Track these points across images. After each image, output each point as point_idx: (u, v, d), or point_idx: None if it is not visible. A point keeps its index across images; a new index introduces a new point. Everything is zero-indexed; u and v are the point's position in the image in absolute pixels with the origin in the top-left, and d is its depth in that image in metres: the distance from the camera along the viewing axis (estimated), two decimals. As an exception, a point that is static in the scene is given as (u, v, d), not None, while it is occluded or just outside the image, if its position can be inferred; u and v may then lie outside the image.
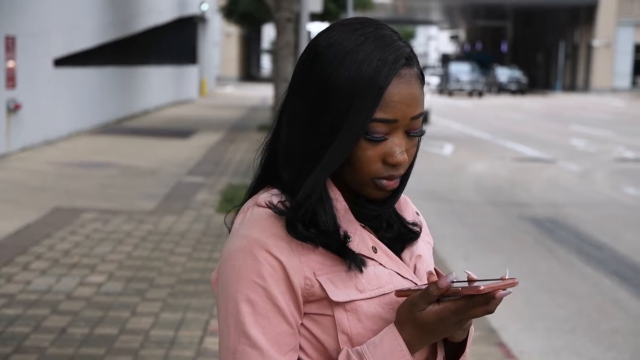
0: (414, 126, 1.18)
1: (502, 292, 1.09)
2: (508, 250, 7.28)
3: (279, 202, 1.18)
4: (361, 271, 1.18)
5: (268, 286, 1.14)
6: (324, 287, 1.15)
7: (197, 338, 4.34)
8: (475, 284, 1.11)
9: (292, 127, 1.20)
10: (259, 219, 1.18)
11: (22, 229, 6.77)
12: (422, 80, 1.19)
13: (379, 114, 1.15)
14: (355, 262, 1.18)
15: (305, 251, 1.16)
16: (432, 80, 43.71)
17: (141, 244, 6.39)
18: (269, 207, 1.18)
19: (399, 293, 1.15)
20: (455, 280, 1.12)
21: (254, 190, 1.26)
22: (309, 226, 1.17)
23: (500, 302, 1.11)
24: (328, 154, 1.15)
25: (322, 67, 1.16)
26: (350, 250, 1.18)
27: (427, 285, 1.13)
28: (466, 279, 1.13)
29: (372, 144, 1.16)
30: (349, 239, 1.18)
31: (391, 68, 1.15)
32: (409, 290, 1.16)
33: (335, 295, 1.15)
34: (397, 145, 1.17)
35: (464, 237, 7.78)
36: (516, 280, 1.11)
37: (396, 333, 1.13)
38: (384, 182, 1.18)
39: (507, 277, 1.11)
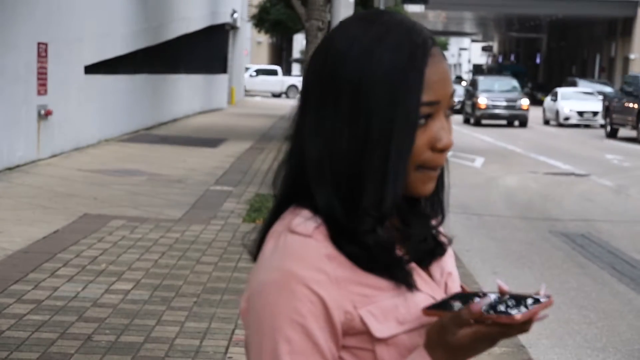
0: (450, 105, 1.14)
1: (538, 316, 1.04)
2: (538, 265, 7.18)
3: (314, 228, 1.09)
4: (411, 291, 1.12)
5: (307, 323, 1.07)
6: (366, 321, 1.09)
7: (222, 348, 4.32)
8: (507, 299, 1.05)
9: (321, 139, 1.11)
10: (294, 248, 1.09)
11: (51, 235, 6.80)
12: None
13: (423, 98, 1.10)
14: (407, 282, 1.11)
15: (344, 282, 1.09)
16: (564, 107, 28.17)
17: (168, 252, 6.39)
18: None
19: (427, 312, 1.09)
20: (485, 293, 1.07)
21: (277, 209, 1.17)
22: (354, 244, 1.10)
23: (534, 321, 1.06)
24: (394, 155, 1.08)
25: (350, 67, 1.09)
26: (402, 268, 1.12)
27: (459, 309, 1.06)
28: (497, 291, 1.08)
29: (418, 131, 1.10)
30: (405, 259, 1.12)
31: (423, 49, 1.11)
32: (437, 309, 1.09)
33: (378, 330, 1.09)
34: (442, 128, 1.12)
35: (494, 251, 7.69)
36: (552, 301, 1.05)
37: (425, 356, 1.08)
38: (431, 171, 1.13)
39: (542, 293, 1.06)
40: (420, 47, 1.11)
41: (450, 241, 1.23)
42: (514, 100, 27.70)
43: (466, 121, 29.12)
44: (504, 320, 1.02)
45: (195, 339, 4.42)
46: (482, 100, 27.84)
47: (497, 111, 27.61)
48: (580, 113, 28.22)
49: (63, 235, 6.83)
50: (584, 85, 32.59)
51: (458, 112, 33.05)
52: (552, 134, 24.87)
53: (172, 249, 6.51)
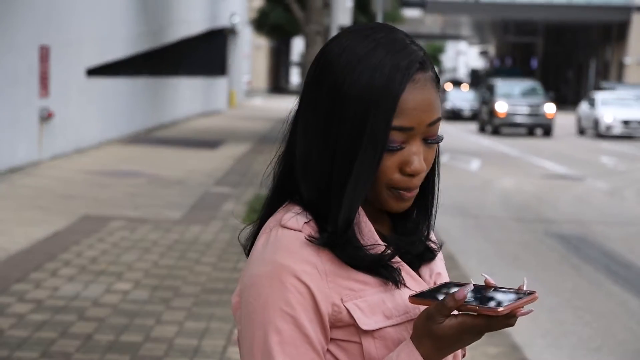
0: (431, 133, 1.13)
1: (522, 311, 1.06)
2: (533, 266, 7.23)
3: (304, 223, 1.14)
4: (398, 288, 1.15)
5: (297, 314, 1.10)
6: (352, 314, 1.12)
7: (221, 347, 4.36)
8: (492, 293, 1.08)
9: (306, 139, 1.16)
10: (284, 242, 1.13)
11: (52, 235, 6.86)
12: (437, 84, 1.15)
13: (394, 122, 1.10)
14: (393, 279, 1.15)
15: (332, 276, 1.12)
16: None
17: (167, 252, 6.44)
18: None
19: (413, 300, 1.12)
20: (474, 285, 1.10)
21: (270, 204, 1.21)
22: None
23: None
24: (355, 174, 1.11)
25: (334, 76, 1.12)
26: (388, 266, 1.15)
27: (444, 297, 1.09)
28: (484, 284, 1.10)
29: (388, 154, 1.12)
30: (386, 256, 1.16)
31: (405, 74, 1.10)
32: (423, 296, 1.12)
33: (364, 323, 1.12)
34: (414, 153, 1.13)
35: (489, 253, 7.74)
36: (536, 296, 1.07)
37: (413, 348, 1.09)
38: (402, 192, 1.15)
39: (524, 287, 1.09)
40: (402, 71, 1.10)
41: (440, 247, 1.27)
42: (537, 106, 24.12)
43: (481, 130, 25.82)
44: (487, 312, 1.05)
45: (194, 339, 4.46)
46: (501, 107, 24.18)
47: (518, 119, 24.15)
48: (626, 122, 23.71)
49: (64, 235, 6.88)
50: (622, 90, 27.61)
51: (472, 118, 30.36)
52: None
53: (171, 249, 6.56)
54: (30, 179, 9.95)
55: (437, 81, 1.15)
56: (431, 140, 1.14)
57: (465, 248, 7.71)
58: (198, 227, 7.50)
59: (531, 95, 25.14)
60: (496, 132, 24.51)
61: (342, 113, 1.11)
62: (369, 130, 1.10)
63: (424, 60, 1.14)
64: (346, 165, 1.12)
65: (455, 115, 31.40)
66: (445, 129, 23.30)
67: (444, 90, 33.93)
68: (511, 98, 24.63)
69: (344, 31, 1.17)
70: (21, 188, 9.27)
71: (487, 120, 25.27)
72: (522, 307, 1.06)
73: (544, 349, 4.98)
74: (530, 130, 24.50)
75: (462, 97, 32.44)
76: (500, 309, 1.04)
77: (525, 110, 24.17)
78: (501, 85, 26.29)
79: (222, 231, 7.36)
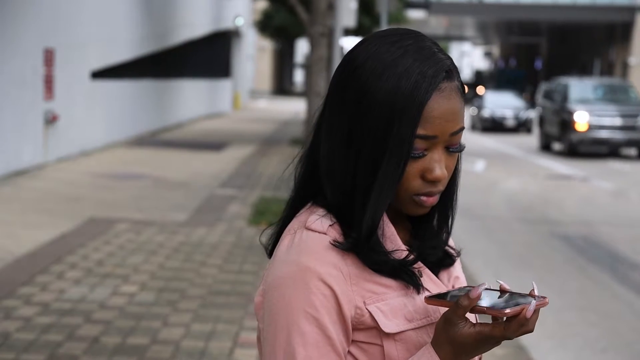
0: (453, 142, 1.15)
1: (530, 309, 1.07)
2: (539, 267, 7.23)
3: (329, 226, 1.15)
4: (419, 293, 1.16)
5: (320, 316, 1.11)
6: (375, 317, 1.13)
7: (227, 349, 4.37)
8: (506, 297, 1.10)
9: (330, 142, 1.16)
10: (309, 244, 1.14)
11: (57, 238, 6.88)
12: (462, 94, 1.15)
13: (418, 130, 1.11)
14: (414, 283, 1.16)
15: (356, 279, 1.14)
16: None
17: (173, 255, 6.46)
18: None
19: (429, 301, 1.13)
20: (488, 288, 1.12)
21: (293, 205, 1.22)
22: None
23: (537, 319, 1.09)
24: (379, 180, 1.12)
25: (360, 81, 1.13)
26: (410, 271, 1.17)
27: (458, 297, 1.10)
28: (498, 289, 1.13)
29: (411, 160, 1.13)
30: (409, 262, 1.17)
31: (431, 82, 1.10)
32: (439, 297, 1.13)
33: (387, 326, 1.14)
34: (436, 161, 1.14)
35: (495, 254, 7.75)
36: (547, 301, 1.10)
37: (433, 353, 1.12)
38: (423, 198, 1.15)
39: (535, 292, 1.11)
40: (428, 79, 1.11)
41: (458, 253, 1.29)
42: (634, 117, 17.50)
43: (546, 147, 19.39)
44: (493, 313, 1.08)
45: (200, 341, 4.47)
46: (582, 117, 17.50)
47: (604, 134, 17.48)
48: None
49: (70, 238, 6.90)
50: None
51: (516, 129, 25.31)
52: None
53: (177, 251, 6.57)
54: (35, 181, 9.98)
55: (462, 90, 1.16)
56: (453, 148, 1.16)
57: (470, 249, 7.71)
58: (203, 229, 7.52)
59: (620, 100, 18.50)
60: (573, 151, 17.78)
61: (367, 119, 1.12)
62: (393, 138, 1.11)
63: (451, 69, 1.14)
64: (370, 171, 1.13)
65: (495, 126, 25.54)
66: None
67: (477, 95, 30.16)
68: (592, 104, 18.06)
69: (372, 36, 1.18)
70: (27, 191, 9.29)
71: (557, 135, 18.54)
72: (528, 307, 1.08)
73: (550, 350, 4.98)
74: (613, 150, 17.98)
75: (503, 103, 26.22)
76: (507, 310, 1.07)
77: (616, 121, 17.53)
78: (576, 86, 19.18)
79: (228, 233, 7.38)
